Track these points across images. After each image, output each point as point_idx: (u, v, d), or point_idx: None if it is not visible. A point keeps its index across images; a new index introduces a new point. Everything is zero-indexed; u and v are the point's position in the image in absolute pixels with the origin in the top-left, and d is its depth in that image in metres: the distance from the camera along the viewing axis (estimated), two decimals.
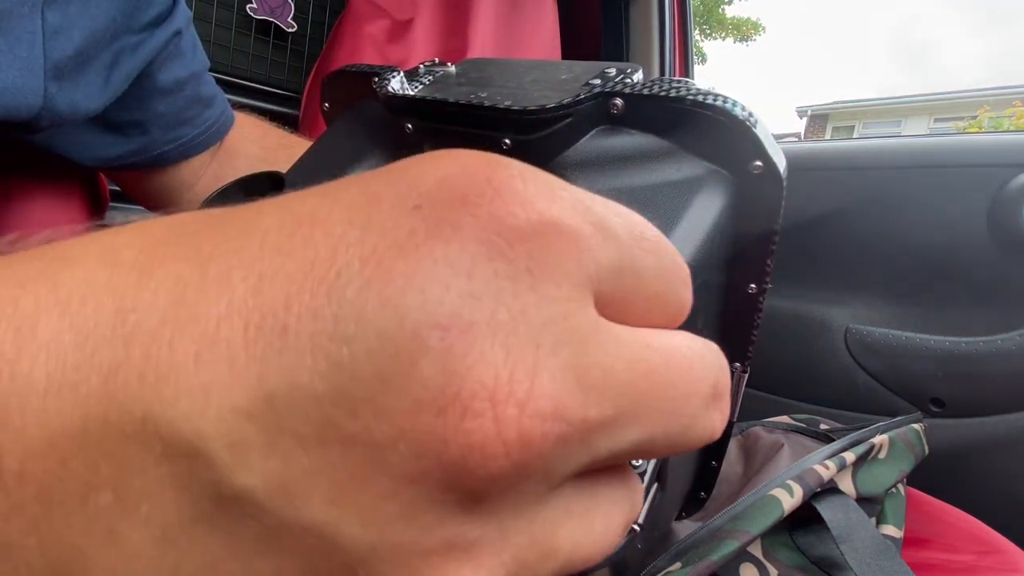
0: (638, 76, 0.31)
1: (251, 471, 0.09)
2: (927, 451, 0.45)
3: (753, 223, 0.27)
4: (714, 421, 0.11)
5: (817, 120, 12.90)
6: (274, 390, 0.09)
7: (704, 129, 0.25)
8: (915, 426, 0.46)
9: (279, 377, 0.09)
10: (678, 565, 0.33)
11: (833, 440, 0.46)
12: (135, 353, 0.09)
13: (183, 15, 0.40)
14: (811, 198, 0.75)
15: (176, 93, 0.41)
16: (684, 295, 0.12)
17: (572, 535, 0.11)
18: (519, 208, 0.10)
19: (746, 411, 0.55)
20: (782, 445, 0.47)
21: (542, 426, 0.09)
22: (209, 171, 0.48)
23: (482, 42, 0.90)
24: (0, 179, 0.40)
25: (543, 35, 0.98)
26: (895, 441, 0.43)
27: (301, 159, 0.36)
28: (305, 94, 0.91)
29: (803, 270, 0.77)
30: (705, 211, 0.25)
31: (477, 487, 0.09)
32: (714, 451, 0.38)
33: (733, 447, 0.51)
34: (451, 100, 0.29)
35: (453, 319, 0.09)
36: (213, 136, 0.46)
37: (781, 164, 0.26)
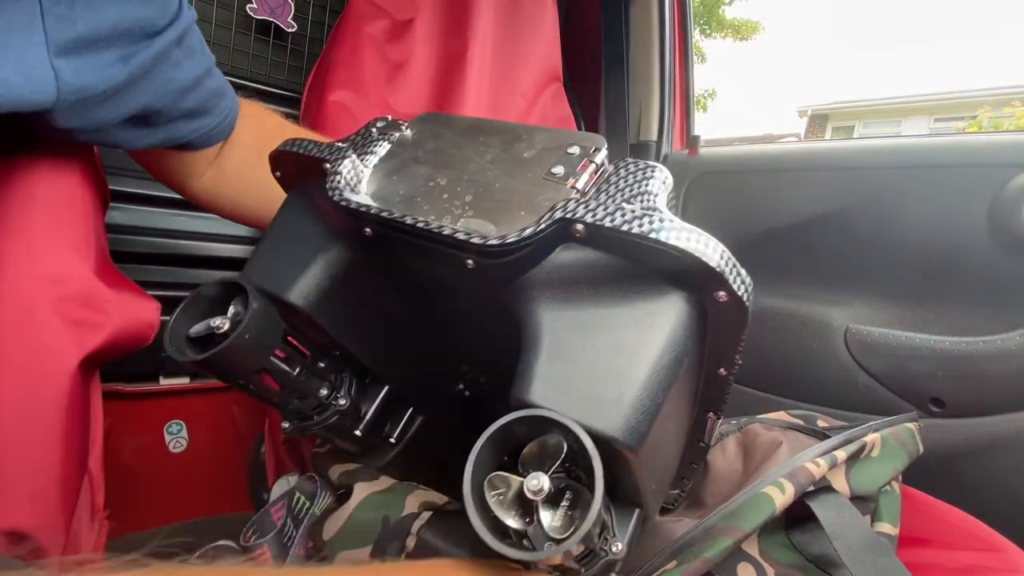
0: (601, 156, 0.30)
1: None
2: (922, 450, 0.46)
3: (721, 333, 0.28)
4: None
5: (817, 120, 12.89)
6: None
7: (668, 261, 0.25)
8: (909, 425, 0.46)
9: None
10: (673, 564, 0.33)
11: (830, 438, 0.47)
12: None
13: (188, 16, 0.42)
14: (811, 198, 0.75)
15: (197, 88, 0.45)
16: None
17: None
18: None
19: (746, 410, 0.55)
20: (780, 442, 0.47)
21: None
22: (215, 164, 0.52)
23: (482, 42, 0.90)
24: (2, 184, 0.41)
25: (543, 35, 0.98)
26: (887, 440, 0.43)
27: (259, 250, 0.35)
28: (305, 94, 0.91)
29: (803, 270, 0.77)
30: (673, 335, 0.25)
31: None
32: (696, 455, 0.38)
33: (732, 445, 0.51)
34: (408, 223, 0.29)
35: None
36: (228, 126, 0.50)
37: (743, 291, 0.26)
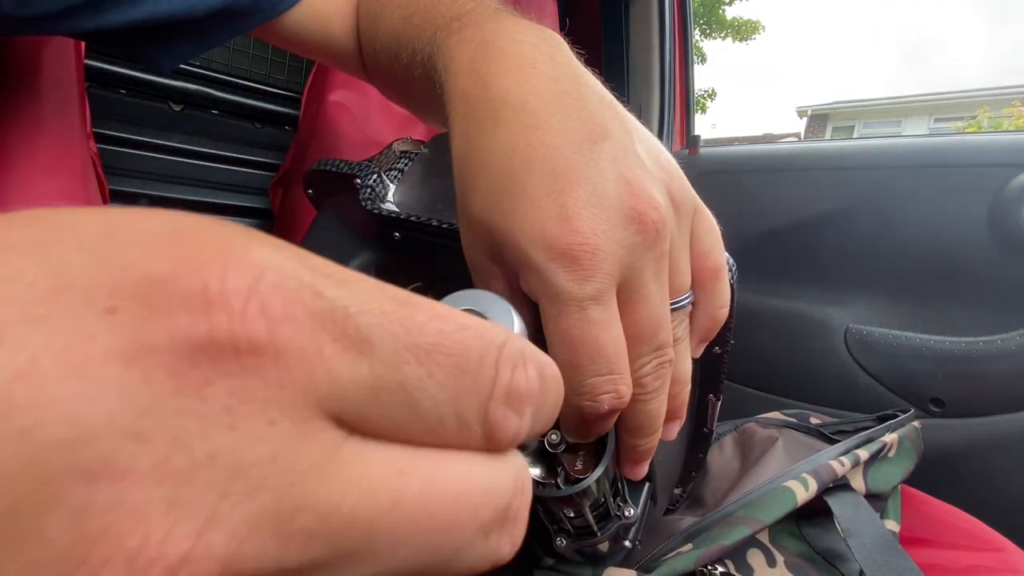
0: None
1: None
2: (922, 448, 0.46)
3: None
4: (498, 548, 0.11)
5: (817, 120, 12.89)
6: None
7: None
8: (915, 424, 0.46)
9: None
10: (689, 547, 0.33)
11: (825, 435, 0.47)
12: None
13: None
14: (811, 198, 0.75)
15: None
16: (495, 415, 0.10)
17: None
18: (236, 326, 0.08)
19: (746, 409, 0.55)
20: (776, 439, 0.47)
21: None
22: None
23: None
24: (1, 185, 0.41)
25: None
26: (903, 440, 0.43)
27: None
28: (305, 94, 0.91)
29: (803, 270, 0.77)
30: None
31: None
32: (700, 445, 0.39)
33: (729, 443, 0.51)
34: (433, 224, 0.32)
35: (103, 466, 0.07)
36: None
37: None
